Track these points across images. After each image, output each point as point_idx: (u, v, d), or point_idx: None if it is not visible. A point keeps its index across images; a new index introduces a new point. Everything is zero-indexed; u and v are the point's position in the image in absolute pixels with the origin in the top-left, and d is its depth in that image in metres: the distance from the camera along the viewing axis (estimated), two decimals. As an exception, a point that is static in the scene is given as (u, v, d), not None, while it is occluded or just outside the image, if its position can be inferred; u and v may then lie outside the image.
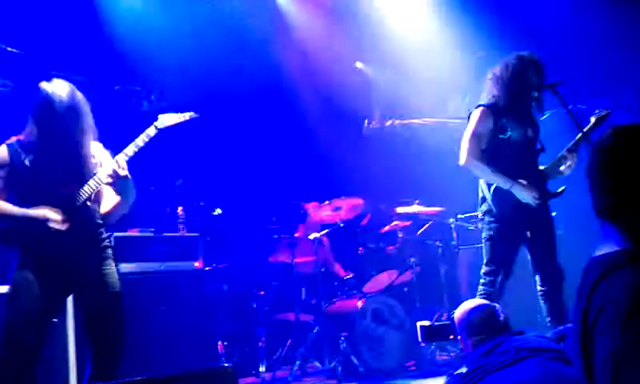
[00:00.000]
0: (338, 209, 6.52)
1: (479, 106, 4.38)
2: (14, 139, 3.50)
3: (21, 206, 3.41)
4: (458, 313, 3.30)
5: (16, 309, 3.35)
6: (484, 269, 4.35)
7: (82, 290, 3.51)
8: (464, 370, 2.95)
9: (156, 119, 3.76)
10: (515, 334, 3.06)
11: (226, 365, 3.08)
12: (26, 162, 3.42)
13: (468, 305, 3.33)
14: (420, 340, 4.45)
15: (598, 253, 1.72)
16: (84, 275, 3.47)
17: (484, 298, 3.99)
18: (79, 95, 3.54)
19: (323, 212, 6.58)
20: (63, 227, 3.40)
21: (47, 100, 3.44)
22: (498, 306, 3.30)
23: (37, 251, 3.39)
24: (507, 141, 4.29)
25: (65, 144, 3.48)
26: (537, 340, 2.86)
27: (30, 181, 3.42)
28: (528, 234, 4.31)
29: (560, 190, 4.36)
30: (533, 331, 3.09)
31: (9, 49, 4.95)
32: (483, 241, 4.40)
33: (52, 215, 3.38)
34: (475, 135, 4.30)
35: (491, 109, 4.32)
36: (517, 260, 4.37)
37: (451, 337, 4.39)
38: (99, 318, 3.50)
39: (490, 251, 4.35)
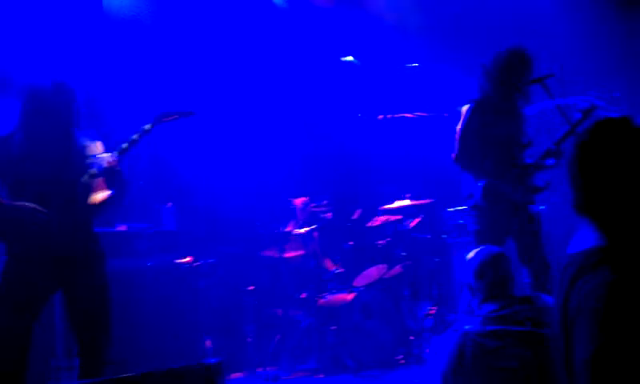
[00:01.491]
0: (328, 203, 6.52)
1: (469, 101, 4.40)
2: (3, 133, 3.48)
3: (12, 199, 3.38)
4: (468, 257, 3.25)
5: (3, 303, 3.33)
6: None
7: (69, 285, 3.49)
8: (473, 325, 2.90)
9: (152, 115, 3.73)
10: (524, 301, 3.01)
11: (214, 361, 3.06)
12: (17, 156, 3.40)
13: (477, 250, 3.28)
14: None
15: (575, 249, 1.72)
16: (72, 270, 3.45)
17: None
18: (68, 87, 3.52)
19: (313, 206, 6.57)
20: (52, 221, 3.37)
21: (36, 92, 3.41)
22: (503, 253, 3.26)
23: (25, 245, 3.36)
24: (496, 135, 4.31)
25: (55, 137, 3.46)
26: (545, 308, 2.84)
27: (21, 174, 3.40)
28: (514, 227, 4.34)
29: (546, 184, 4.38)
30: (544, 297, 3.04)
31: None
32: (471, 234, 4.43)
33: (41, 209, 3.36)
34: (465, 130, 4.33)
35: (481, 103, 4.34)
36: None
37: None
38: (86, 315, 3.48)
39: (478, 244, 4.36)
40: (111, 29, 6.38)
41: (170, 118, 3.77)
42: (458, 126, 4.36)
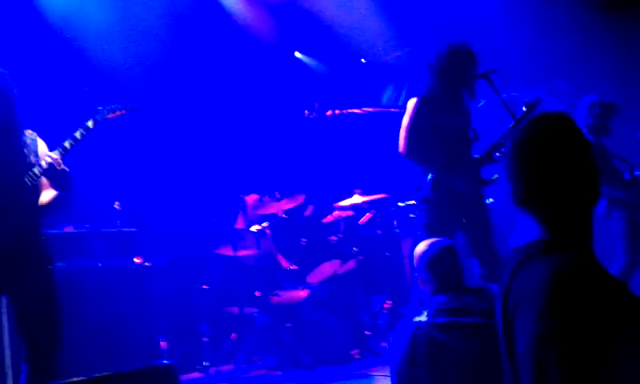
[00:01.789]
0: (279, 200, 6.51)
1: (415, 96, 4.45)
2: None
3: None
4: (418, 249, 3.27)
5: None
6: None
7: (16, 289, 3.40)
8: (424, 317, 2.93)
9: (95, 111, 3.66)
10: (474, 292, 3.05)
11: (167, 362, 3.04)
12: None
13: (428, 241, 3.31)
14: None
15: (517, 242, 1.76)
16: (19, 274, 3.36)
17: None
18: (8, 85, 3.43)
19: (265, 203, 6.56)
20: None
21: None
22: (453, 244, 3.30)
23: None
24: (442, 129, 4.37)
25: (1, 132, 3.36)
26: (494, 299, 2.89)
27: None
28: (463, 220, 4.41)
29: (494, 177, 4.47)
30: (494, 287, 3.08)
31: None
32: (421, 228, 4.48)
33: None
34: (411, 125, 4.38)
35: (426, 98, 4.40)
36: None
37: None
38: (34, 318, 3.40)
39: (428, 237, 4.43)
40: (47, 24, 6.26)
41: (115, 114, 3.70)
42: (405, 121, 4.41)
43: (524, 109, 4.43)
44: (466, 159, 4.43)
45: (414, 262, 3.25)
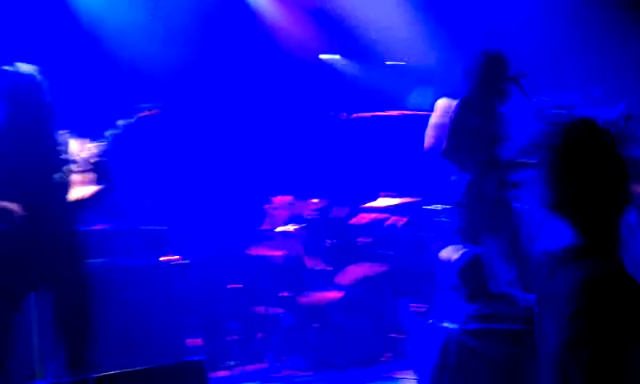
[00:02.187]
0: (308, 201, 6.53)
1: (445, 96, 4.47)
2: None
3: None
4: (447, 257, 3.27)
5: None
6: None
7: (50, 285, 3.46)
8: (454, 325, 2.94)
9: (128, 110, 3.71)
10: (504, 299, 3.06)
11: (198, 358, 3.07)
12: None
13: (455, 249, 3.30)
14: None
15: (551, 247, 1.75)
16: (52, 269, 3.42)
17: None
18: (45, 80, 3.48)
19: (295, 204, 6.58)
20: (30, 220, 3.34)
21: (12, 85, 3.38)
22: (482, 254, 3.31)
23: (3, 245, 3.33)
24: (476, 133, 4.37)
25: (33, 131, 3.42)
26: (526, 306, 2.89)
27: (1, 172, 3.36)
28: (495, 224, 4.40)
29: (521, 181, 4.43)
30: (518, 293, 3.10)
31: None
32: (453, 232, 4.48)
33: (17, 207, 3.33)
34: (440, 124, 4.39)
35: (464, 101, 4.42)
36: None
37: None
38: (67, 312, 3.46)
39: (460, 242, 4.41)
40: (80, 24, 6.36)
41: (147, 114, 3.75)
42: (436, 120, 4.42)
43: (557, 113, 4.39)
44: (495, 162, 4.42)
45: (443, 269, 3.25)
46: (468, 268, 3.18)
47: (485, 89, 4.43)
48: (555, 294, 1.66)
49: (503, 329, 2.87)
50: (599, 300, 1.54)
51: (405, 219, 6.67)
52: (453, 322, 2.99)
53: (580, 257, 1.66)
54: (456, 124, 4.40)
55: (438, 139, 4.40)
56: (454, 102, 4.46)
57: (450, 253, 3.28)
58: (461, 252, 3.28)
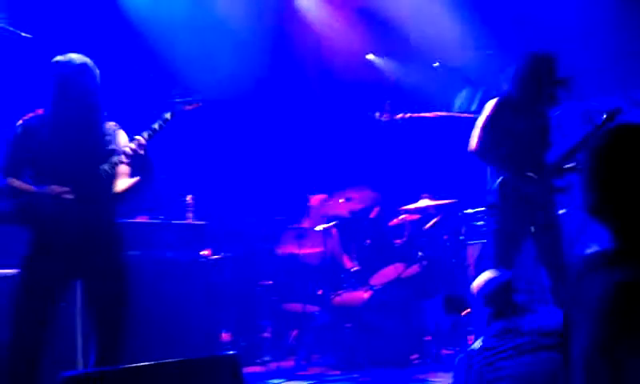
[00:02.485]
0: (347, 200, 6.53)
1: (494, 97, 4.42)
2: (30, 115, 3.49)
3: (36, 184, 3.40)
4: (476, 283, 3.33)
5: (24, 290, 3.36)
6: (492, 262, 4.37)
7: (90, 273, 3.51)
8: (478, 344, 2.98)
9: (172, 104, 3.73)
10: (527, 313, 3.08)
11: (232, 352, 3.07)
12: (43, 139, 3.41)
13: (486, 276, 3.35)
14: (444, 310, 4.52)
15: (588, 251, 1.75)
16: (94, 258, 3.46)
17: None
18: (96, 71, 3.52)
19: (332, 203, 6.59)
20: (75, 207, 3.39)
21: (63, 74, 3.42)
22: (511, 279, 3.32)
23: (47, 231, 3.38)
24: (517, 133, 4.32)
25: (83, 121, 3.46)
26: (551, 321, 2.90)
27: (47, 158, 3.41)
28: (532, 228, 4.33)
29: (567, 185, 4.37)
30: (546, 309, 3.12)
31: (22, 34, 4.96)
32: (489, 234, 4.43)
33: (64, 193, 3.38)
34: (487, 125, 4.35)
35: (505, 102, 4.37)
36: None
37: (467, 311, 4.44)
38: (105, 303, 3.50)
39: (495, 244, 4.37)
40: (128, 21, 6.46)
41: (192, 107, 3.76)
42: (480, 120, 4.38)
43: (603, 117, 4.32)
44: (540, 165, 4.35)
45: (473, 294, 3.32)
46: (494, 295, 3.26)
47: (529, 89, 4.36)
48: (588, 297, 1.65)
49: (523, 342, 2.89)
50: (628, 306, 1.54)
51: (438, 221, 6.61)
52: (477, 342, 3.04)
53: (615, 262, 1.65)
54: (492, 122, 4.35)
55: (478, 139, 4.36)
56: None
57: (481, 280, 3.34)
58: (488, 279, 3.32)
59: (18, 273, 3.41)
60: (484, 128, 4.34)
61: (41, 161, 3.43)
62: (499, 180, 4.32)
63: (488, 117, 4.36)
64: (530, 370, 2.79)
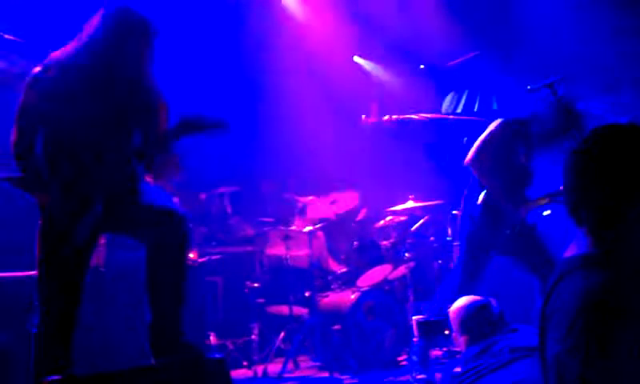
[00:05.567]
0: (333, 202, 6.53)
1: (503, 118, 4.47)
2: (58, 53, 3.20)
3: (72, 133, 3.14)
4: (453, 309, 3.35)
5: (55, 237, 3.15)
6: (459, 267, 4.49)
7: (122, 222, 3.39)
8: (459, 369, 3.01)
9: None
10: (509, 332, 3.11)
11: (218, 355, 3.07)
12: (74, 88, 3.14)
13: (462, 302, 3.37)
14: (415, 335, 4.51)
15: (567, 254, 1.75)
16: (122, 207, 3.33)
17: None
18: (155, 29, 3.32)
19: (319, 205, 6.59)
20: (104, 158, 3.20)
21: (125, 19, 3.20)
22: (492, 301, 3.34)
23: (76, 178, 3.16)
24: (514, 160, 4.37)
25: (134, 70, 3.26)
26: (532, 337, 2.91)
27: (76, 112, 3.13)
28: (510, 246, 4.39)
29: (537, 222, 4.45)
30: (527, 327, 3.13)
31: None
32: (462, 239, 4.50)
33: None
34: (488, 142, 4.37)
35: (511, 126, 4.40)
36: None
37: (446, 332, 4.45)
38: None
39: (464, 251, 4.46)
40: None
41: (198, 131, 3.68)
42: (483, 136, 4.42)
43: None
44: (524, 197, 4.41)
45: (449, 319, 3.36)
46: (470, 320, 3.29)
47: (553, 134, 4.37)
48: (559, 302, 1.66)
49: (500, 360, 2.92)
50: (597, 313, 1.54)
51: (425, 222, 6.64)
52: (457, 365, 3.08)
53: (587, 266, 1.65)
54: (491, 141, 4.37)
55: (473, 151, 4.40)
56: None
57: (457, 306, 3.37)
58: (464, 305, 3.35)
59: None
60: (483, 145, 4.37)
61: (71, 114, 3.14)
62: (484, 194, 4.36)
63: (489, 136, 4.38)
64: (512, 380, 2.81)
